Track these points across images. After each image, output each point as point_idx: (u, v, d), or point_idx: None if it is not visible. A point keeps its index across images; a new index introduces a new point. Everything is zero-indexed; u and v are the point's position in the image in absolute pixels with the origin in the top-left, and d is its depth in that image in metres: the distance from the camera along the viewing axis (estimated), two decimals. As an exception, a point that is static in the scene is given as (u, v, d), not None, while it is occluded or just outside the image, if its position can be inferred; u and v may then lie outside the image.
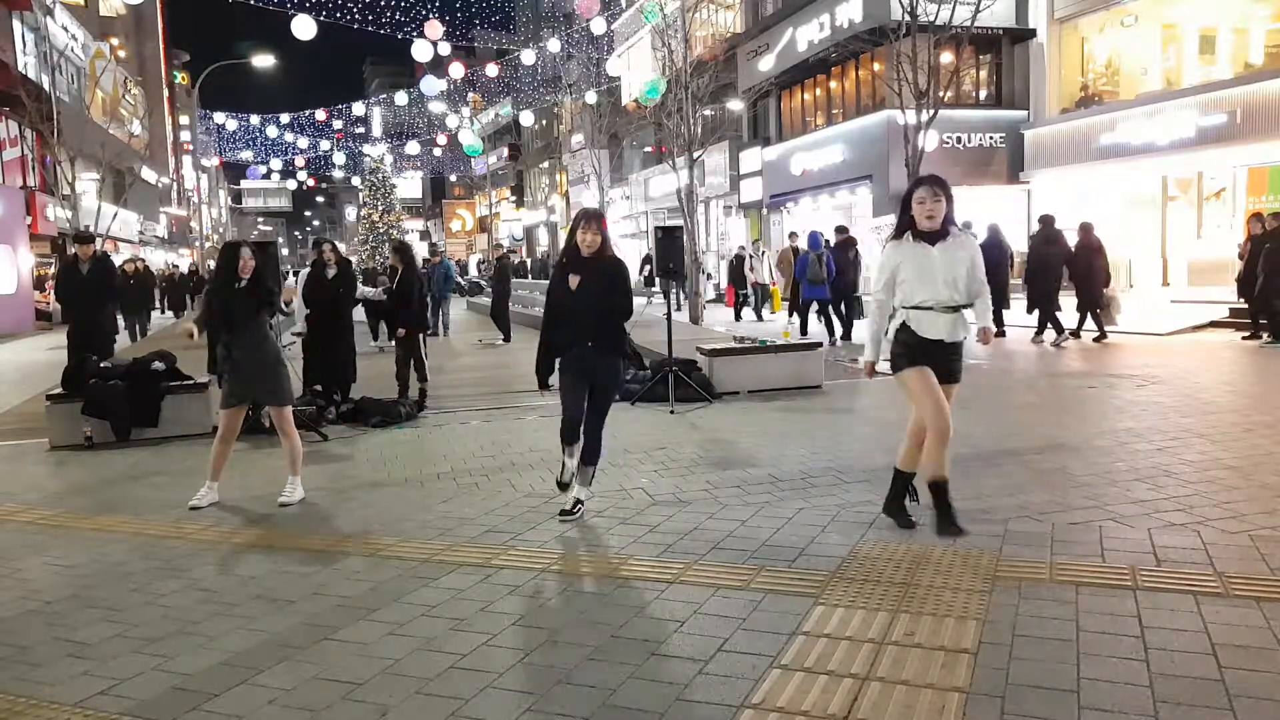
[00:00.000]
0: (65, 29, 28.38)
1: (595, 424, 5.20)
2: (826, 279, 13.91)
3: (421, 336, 9.80)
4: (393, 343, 10.08)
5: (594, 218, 5.16)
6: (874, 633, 3.45)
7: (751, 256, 20.40)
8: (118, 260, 21.20)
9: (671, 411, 8.46)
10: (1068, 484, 5.46)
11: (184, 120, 54.02)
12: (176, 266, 36.95)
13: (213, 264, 7.49)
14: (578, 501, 5.19)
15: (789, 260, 17.24)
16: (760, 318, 20.01)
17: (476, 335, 18.16)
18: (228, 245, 6.10)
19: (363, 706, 3.07)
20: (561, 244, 5.72)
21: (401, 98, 40.20)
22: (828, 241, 14.80)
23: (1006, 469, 5.90)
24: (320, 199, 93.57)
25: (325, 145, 48.16)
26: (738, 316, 20.46)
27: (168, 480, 6.56)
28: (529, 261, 38.01)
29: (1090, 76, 21.07)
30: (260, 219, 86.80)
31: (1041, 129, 20.90)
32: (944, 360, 4.50)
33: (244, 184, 59.34)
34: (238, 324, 5.77)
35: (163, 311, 27.61)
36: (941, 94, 11.86)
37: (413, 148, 48.49)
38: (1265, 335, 12.11)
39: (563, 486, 5.35)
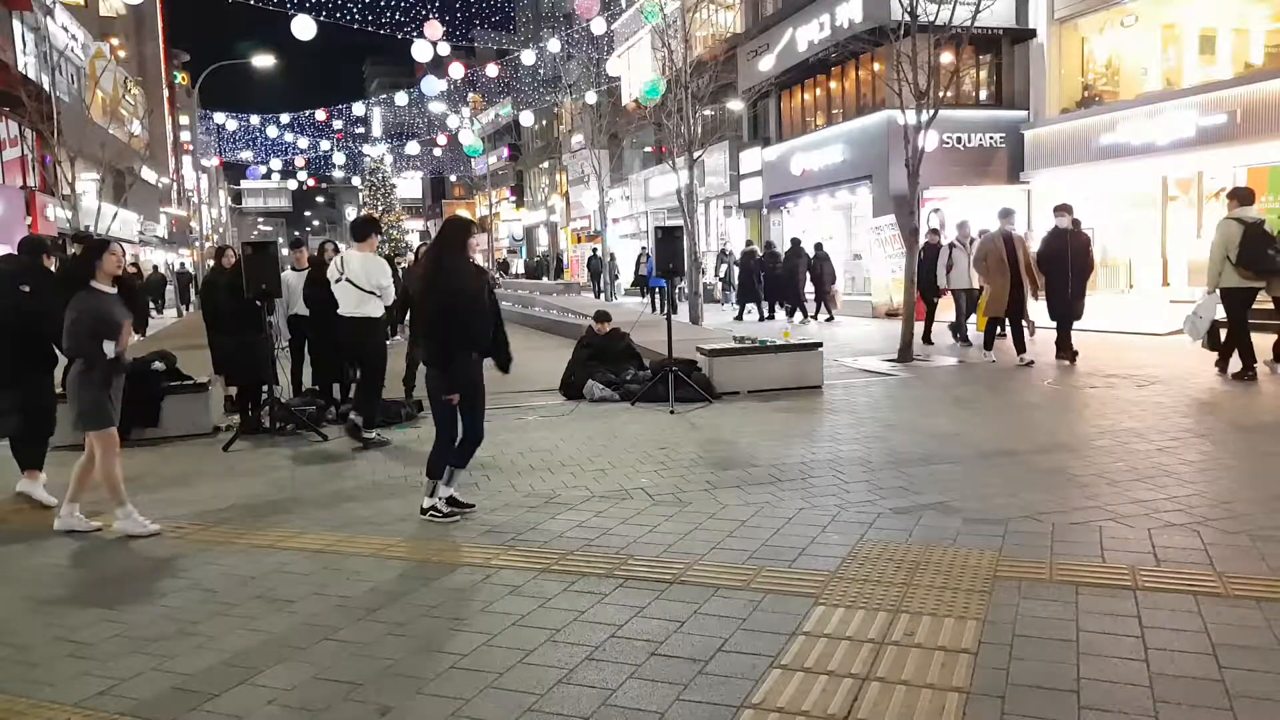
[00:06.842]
0: (65, 29, 28.33)
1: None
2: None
3: None
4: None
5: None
6: (874, 633, 3.45)
7: (954, 248, 13.23)
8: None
9: (671, 411, 8.45)
10: (1068, 484, 5.46)
11: (184, 120, 53.94)
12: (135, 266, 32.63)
13: (211, 263, 7.16)
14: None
15: (1000, 254, 11.19)
16: (967, 340, 13.21)
17: None
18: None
19: (363, 706, 3.07)
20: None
21: (401, 98, 40.23)
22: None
23: (1006, 469, 5.90)
24: (320, 199, 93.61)
25: (325, 145, 48.20)
26: (927, 338, 13.55)
27: (166, 480, 6.56)
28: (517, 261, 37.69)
29: (1090, 76, 21.05)
30: (260, 219, 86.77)
31: (1042, 129, 20.88)
32: None
33: (244, 184, 59.38)
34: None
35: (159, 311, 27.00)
36: (941, 94, 11.82)
37: (413, 148, 48.50)
38: None
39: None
